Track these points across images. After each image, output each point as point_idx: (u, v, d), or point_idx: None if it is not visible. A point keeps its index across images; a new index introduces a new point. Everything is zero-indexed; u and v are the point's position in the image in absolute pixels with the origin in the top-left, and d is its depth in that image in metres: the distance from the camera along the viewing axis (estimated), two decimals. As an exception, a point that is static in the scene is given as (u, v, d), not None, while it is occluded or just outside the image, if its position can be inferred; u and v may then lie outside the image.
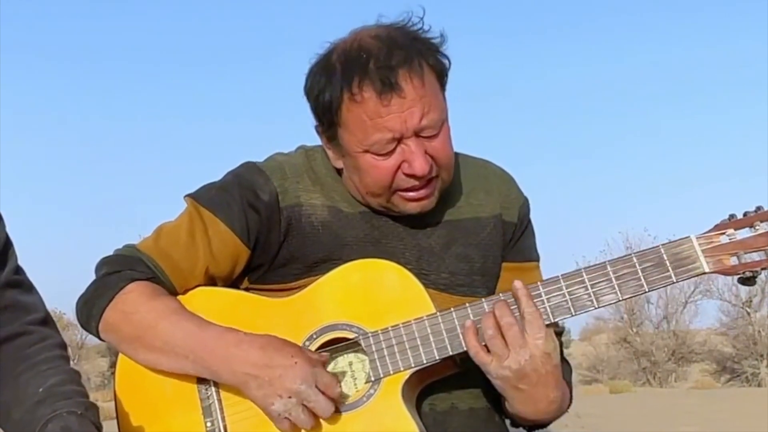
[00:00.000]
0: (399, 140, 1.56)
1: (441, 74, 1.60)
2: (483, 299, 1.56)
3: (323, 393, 1.50)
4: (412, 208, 1.62)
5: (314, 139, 1.74)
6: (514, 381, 1.51)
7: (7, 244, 1.54)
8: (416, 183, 1.58)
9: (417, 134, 1.56)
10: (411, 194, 1.60)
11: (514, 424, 1.71)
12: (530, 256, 1.78)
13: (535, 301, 1.53)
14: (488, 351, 1.51)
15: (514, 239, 1.75)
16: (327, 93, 1.58)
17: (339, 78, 1.57)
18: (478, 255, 1.70)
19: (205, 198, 1.67)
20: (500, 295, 1.56)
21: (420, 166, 1.56)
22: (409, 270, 1.60)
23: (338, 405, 1.53)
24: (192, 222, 1.65)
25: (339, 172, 1.70)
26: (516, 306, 1.52)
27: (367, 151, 1.57)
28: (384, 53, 1.55)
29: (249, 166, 1.70)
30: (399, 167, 1.57)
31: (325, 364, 1.56)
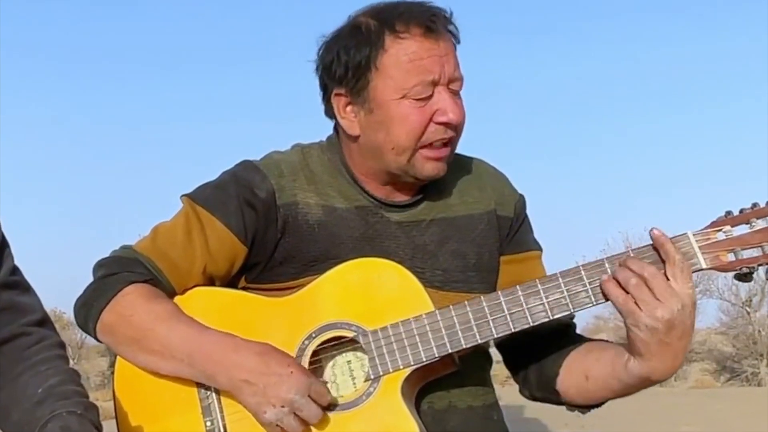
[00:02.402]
0: (434, 87, 1.59)
1: (456, 42, 1.65)
2: (482, 296, 1.56)
3: (315, 402, 1.51)
4: (430, 169, 1.63)
5: (309, 138, 1.75)
6: (663, 333, 1.45)
7: (3, 244, 1.54)
8: (443, 136, 1.61)
9: (448, 85, 1.60)
10: (433, 152, 1.62)
11: (578, 408, 1.69)
12: (531, 246, 1.78)
13: (533, 298, 1.54)
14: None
15: (512, 233, 1.75)
16: (362, 46, 1.61)
17: (377, 27, 1.61)
18: (472, 251, 1.71)
19: (201, 197, 1.68)
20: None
21: (454, 113, 1.59)
22: None
23: (335, 407, 1.54)
24: (188, 221, 1.65)
25: (349, 143, 1.68)
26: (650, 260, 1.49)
27: (404, 97, 1.59)
28: (417, 5, 1.63)
29: (246, 165, 1.70)
30: (431, 118, 1.59)
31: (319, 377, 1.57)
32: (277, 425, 1.51)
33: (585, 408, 1.70)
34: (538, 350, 1.70)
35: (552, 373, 1.68)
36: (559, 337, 1.69)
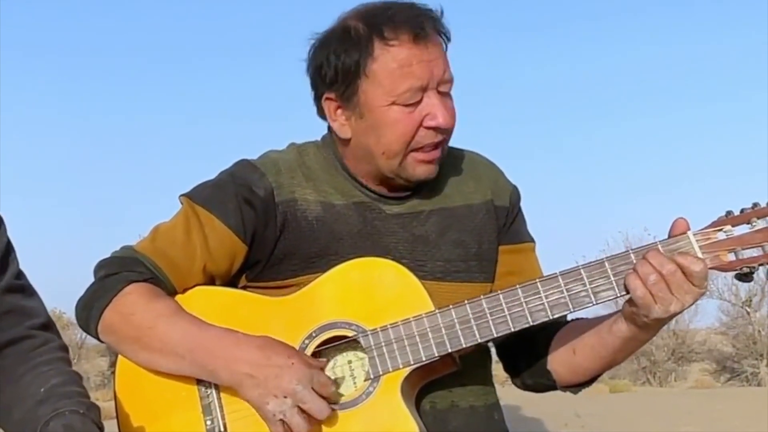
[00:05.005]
0: (423, 92, 1.59)
1: (446, 42, 1.65)
2: (482, 296, 1.56)
3: (319, 394, 1.51)
4: (421, 172, 1.64)
5: (304, 137, 1.76)
6: (666, 319, 1.52)
7: (8, 248, 1.55)
8: (434, 139, 1.62)
9: (438, 88, 1.60)
10: (423, 155, 1.62)
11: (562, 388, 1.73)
12: (526, 237, 1.80)
13: (533, 298, 1.54)
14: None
15: (508, 223, 1.77)
16: (352, 52, 1.60)
17: (366, 32, 1.60)
18: (472, 240, 1.71)
19: (200, 196, 1.68)
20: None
21: (443, 117, 1.60)
22: (404, 263, 1.61)
23: (334, 406, 1.54)
24: (188, 220, 1.66)
25: (342, 145, 1.69)
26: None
27: (393, 103, 1.59)
28: (406, 8, 1.62)
29: (243, 164, 1.71)
30: (421, 122, 1.60)
31: (323, 369, 1.56)
32: (280, 419, 1.51)
33: (574, 387, 1.72)
34: (530, 337, 1.71)
35: (542, 354, 1.71)
36: (550, 324, 1.69)
